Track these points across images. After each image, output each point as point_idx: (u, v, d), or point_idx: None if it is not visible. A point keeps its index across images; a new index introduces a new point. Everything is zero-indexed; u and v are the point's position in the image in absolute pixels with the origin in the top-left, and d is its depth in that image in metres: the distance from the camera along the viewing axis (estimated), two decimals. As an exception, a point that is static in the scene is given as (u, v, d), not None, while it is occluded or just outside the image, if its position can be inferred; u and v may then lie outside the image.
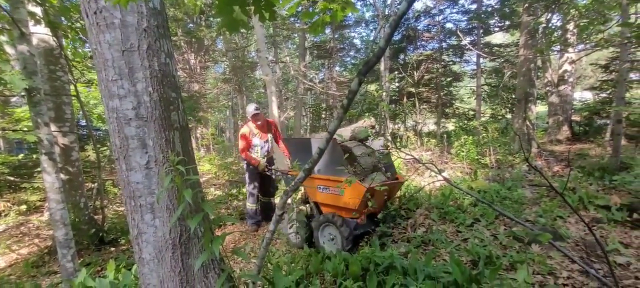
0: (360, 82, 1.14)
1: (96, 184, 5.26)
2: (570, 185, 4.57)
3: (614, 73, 8.33)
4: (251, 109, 4.40)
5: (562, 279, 2.48)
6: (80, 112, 5.67)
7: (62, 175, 4.12)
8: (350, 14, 12.19)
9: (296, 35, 12.33)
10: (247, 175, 4.57)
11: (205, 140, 13.63)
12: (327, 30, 14.27)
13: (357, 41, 20.82)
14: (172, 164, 1.37)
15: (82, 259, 3.84)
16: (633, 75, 8.36)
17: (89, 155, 7.89)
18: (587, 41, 8.15)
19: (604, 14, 6.75)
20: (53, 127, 4.04)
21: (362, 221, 3.32)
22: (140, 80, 1.50)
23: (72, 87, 4.39)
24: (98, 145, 5.18)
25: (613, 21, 6.34)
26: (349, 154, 3.33)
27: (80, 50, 4.80)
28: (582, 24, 8.15)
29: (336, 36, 13.13)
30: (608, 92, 8.88)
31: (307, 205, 3.77)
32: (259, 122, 4.41)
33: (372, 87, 15.35)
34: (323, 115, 14.96)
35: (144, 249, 1.64)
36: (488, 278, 2.39)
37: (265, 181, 4.61)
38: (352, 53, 16.64)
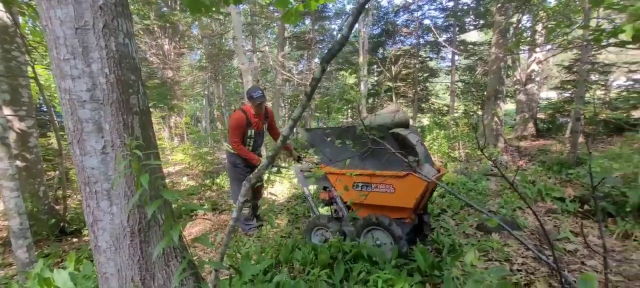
0: (323, 69, 1.15)
1: (58, 172, 5.00)
2: (530, 178, 4.83)
3: (576, 74, 8.81)
4: (255, 92, 3.59)
5: (516, 265, 2.63)
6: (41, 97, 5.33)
7: (18, 162, 3.89)
8: (330, 5, 12.00)
9: (275, 24, 12.14)
10: (229, 170, 3.88)
11: (179, 129, 13.24)
12: (307, 21, 14.18)
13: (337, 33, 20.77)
14: (130, 149, 1.32)
15: (40, 250, 3.65)
16: (593, 76, 8.90)
17: (51, 143, 7.47)
18: (554, 42, 8.57)
19: (570, 17, 7.10)
20: (7, 111, 3.78)
21: (413, 221, 2.89)
22: (95, 61, 1.42)
23: (29, 68, 4.11)
24: (60, 132, 4.90)
25: (577, 24, 6.68)
26: (404, 143, 2.73)
27: (39, 29, 4.49)
28: (550, 25, 8.55)
29: (316, 27, 13.05)
30: (570, 91, 9.41)
31: (332, 207, 3.13)
32: (259, 109, 3.68)
33: (350, 81, 15.44)
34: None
35: (100, 237, 1.58)
36: (449, 265, 2.50)
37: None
38: (339, 36, 16.59)
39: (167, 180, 7.72)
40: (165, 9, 10.78)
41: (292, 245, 2.99)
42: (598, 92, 8.64)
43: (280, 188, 6.00)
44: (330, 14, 13.17)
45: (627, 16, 3.93)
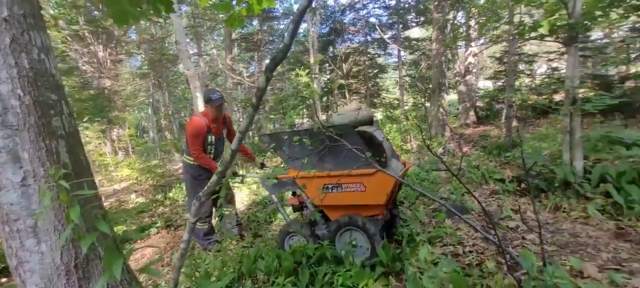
0: (268, 79, 1.11)
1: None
2: (475, 163, 5.23)
3: (506, 64, 9.71)
4: (213, 94, 3.38)
5: (468, 246, 2.82)
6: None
7: None
8: (277, 6, 11.85)
9: (221, 26, 11.72)
10: (188, 185, 3.60)
11: (123, 142, 12.23)
12: (255, 22, 13.89)
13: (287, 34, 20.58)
14: (55, 179, 1.17)
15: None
16: (520, 66, 9.88)
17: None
18: (486, 37, 9.33)
19: (498, 13, 7.77)
20: None
21: (385, 216, 2.86)
22: (3, 82, 1.23)
23: None
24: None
25: (504, 19, 7.34)
26: (371, 140, 2.72)
27: None
28: (481, 21, 9.29)
29: (265, 28, 12.84)
30: (502, 81, 10.35)
31: (302, 212, 3.09)
32: (219, 114, 3.47)
33: (304, 80, 15.44)
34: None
35: (28, 280, 1.38)
36: (409, 255, 2.60)
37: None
38: (282, 44, 16.45)
39: (113, 199, 7.11)
40: (96, 12, 9.84)
41: (255, 255, 2.90)
42: (525, 80, 9.61)
43: (239, 196, 5.82)
44: (278, 14, 13.06)
45: (543, 12, 4.41)
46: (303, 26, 14.19)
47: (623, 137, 4.08)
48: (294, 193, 3.10)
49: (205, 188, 1.39)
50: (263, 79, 1.10)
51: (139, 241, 4.35)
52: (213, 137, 3.49)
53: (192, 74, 5.89)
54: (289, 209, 3.30)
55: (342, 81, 13.12)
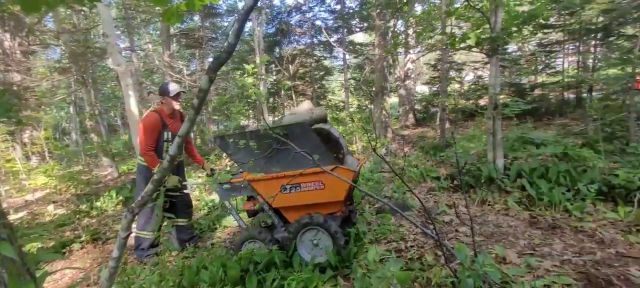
0: (211, 80, 1.04)
1: None
2: (414, 163, 5.59)
3: (439, 71, 10.59)
4: (170, 85, 3.18)
5: (410, 242, 2.99)
6: None
7: None
8: (221, 2, 11.37)
9: (158, 20, 10.87)
10: (141, 188, 3.22)
11: (36, 146, 10.63)
12: (196, 18, 13.15)
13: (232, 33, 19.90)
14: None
15: None
16: (451, 73, 10.85)
17: None
18: (422, 45, 10.05)
19: (432, 24, 8.41)
20: None
21: (344, 213, 2.84)
22: None
23: None
24: None
25: (437, 30, 7.99)
26: (328, 137, 2.69)
27: None
28: (418, 30, 9.98)
29: (207, 24, 12.22)
30: (436, 86, 11.27)
31: (259, 216, 2.95)
32: (177, 107, 3.28)
33: (249, 80, 15.06)
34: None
35: None
36: (357, 255, 2.67)
37: (176, 196, 3.09)
38: (226, 44, 15.84)
39: (24, 212, 6.11)
40: (0, -6, 8.39)
41: (198, 266, 2.73)
42: (456, 86, 10.59)
43: (178, 202, 5.43)
44: (221, 11, 12.54)
45: (471, 26, 4.89)
46: (248, 25, 13.86)
47: (534, 137, 4.71)
48: (249, 198, 2.98)
49: (139, 198, 1.25)
50: (205, 80, 1.03)
51: (59, 260, 3.80)
52: (169, 134, 3.24)
53: (123, 70, 5.35)
54: (245, 214, 3.18)
55: (289, 82, 13.08)
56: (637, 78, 4.52)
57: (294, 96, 13.26)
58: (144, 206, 1.20)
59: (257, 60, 10.18)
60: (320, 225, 2.58)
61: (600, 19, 6.90)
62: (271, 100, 13.62)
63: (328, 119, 3.07)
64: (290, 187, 2.60)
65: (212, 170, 3.59)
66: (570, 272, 2.24)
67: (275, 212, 2.78)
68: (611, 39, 6.91)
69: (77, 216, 5.41)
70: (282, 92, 13.35)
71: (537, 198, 3.46)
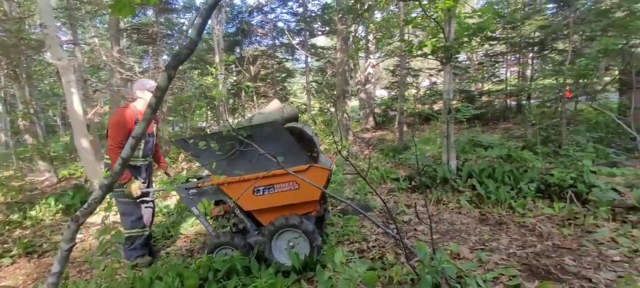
0: (170, 77, 0.97)
1: None
2: (375, 165, 5.75)
3: (398, 76, 11.05)
4: (152, 83, 3.02)
5: (371, 242, 3.05)
6: None
7: None
8: (175, -3, 10.81)
9: (106, 12, 10.07)
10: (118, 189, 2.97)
11: (-45, 149, 9.28)
12: (150, 13, 12.39)
13: (193, 29, 19.13)
14: None
15: None
16: (409, 78, 11.37)
17: None
18: (382, 51, 10.42)
19: (391, 31, 8.74)
20: None
21: (319, 212, 2.75)
22: None
23: None
24: None
25: (396, 37, 8.34)
26: (301, 136, 2.61)
27: None
28: (378, 37, 10.33)
29: (161, 20, 11.57)
30: (395, 90, 11.74)
31: (229, 221, 2.80)
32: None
33: (209, 80, 14.52)
34: (151, 111, 12.99)
35: None
36: (319, 257, 2.67)
37: (143, 195, 3.00)
38: (183, 42, 15.15)
39: None
40: None
41: (151, 277, 2.54)
42: (413, 91, 11.10)
43: (129, 209, 5.05)
44: (177, 6, 11.95)
45: (426, 34, 5.16)
46: (207, 23, 13.33)
47: (482, 141, 5.09)
48: (216, 203, 2.83)
49: (85, 206, 1.13)
50: (164, 77, 0.96)
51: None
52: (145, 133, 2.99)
53: (65, 66, 4.86)
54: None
55: (250, 83, 12.82)
56: (568, 88, 5.08)
57: (255, 98, 13.02)
58: (89, 215, 1.09)
59: (217, 59, 9.85)
60: (296, 226, 2.50)
61: (537, 34, 7.68)
62: (231, 101, 13.25)
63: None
64: (263, 189, 2.50)
65: (167, 174, 3.38)
66: (515, 264, 2.43)
67: (247, 215, 2.66)
68: (546, 52, 7.71)
69: (7, 227, 4.80)
70: (243, 94, 13.05)
71: (486, 197, 3.73)
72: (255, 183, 2.47)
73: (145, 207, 3.09)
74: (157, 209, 4.65)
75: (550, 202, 3.52)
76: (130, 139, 1.03)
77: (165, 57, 12.03)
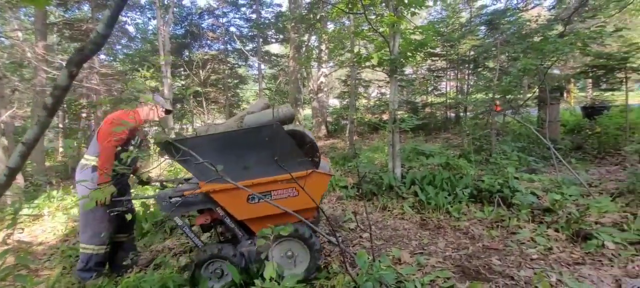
0: (72, 75, 0.85)
1: None
2: (325, 172, 5.78)
3: (349, 86, 11.38)
4: (166, 104, 2.86)
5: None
6: None
7: None
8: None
9: (23, 6, 8.95)
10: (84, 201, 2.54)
11: None
12: (86, 8, 11.31)
13: (130, 27, 17.85)
14: None
15: None
16: (360, 89, 11.77)
17: None
18: (333, 60, 10.65)
19: (343, 42, 8.97)
20: None
21: (316, 219, 2.58)
22: None
23: None
24: None
25: (347, 48, 8.58)
26: (303, 139, 2.44)
27: None
28: (330, 47, 10.54)
29: (99, 16, 10.61)
30: (346, 100, 12.06)
31: (214, 229, 2.61)
32: (156, 119, 2.86)
33: (152, 84, 13.60)
34: (84, 114, 11.80)
35: None
36: (260, 270, 2.57)
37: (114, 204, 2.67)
38: (124, 41, 14.08)
39: None
40: None
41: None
42: (363, 101, 11.49)
43: (50, 224, 4.46)
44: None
45: (374, 48, 5.38)
46: (153, 23, 12.59)
47: (425, 149, 5.38)
48: (201, 211, 2.57)
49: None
50: (65, 75, 0.84)
51: None
52: (139, 140, 2.78)
53: (-30, 60, 4.19)
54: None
55: (199, 88, 12.26)
56: (497, 102, 5.63)
57: (204, 103, 12.47)
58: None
59: (162, 61, 9.27)
60: (295, 235, 2.37)
61: (471, 52, 8.45)
62: (178, 106, 12.54)
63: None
64: (262, 196, 2.31)
65: (147, 179, 3.00)
66: (450, 266, 2.57)
67: (238, 223, 2.46)
68: (480, 69, 8.51)
69: None
70: (192, 99, 12.43)
71: (426, 203, 3.93)
72: (251, 191, 2.26)
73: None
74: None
75: (481, 206, 3.81)
76: (20, 146, 0.88)
77: (102, 56, 11.04)
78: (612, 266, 2.40)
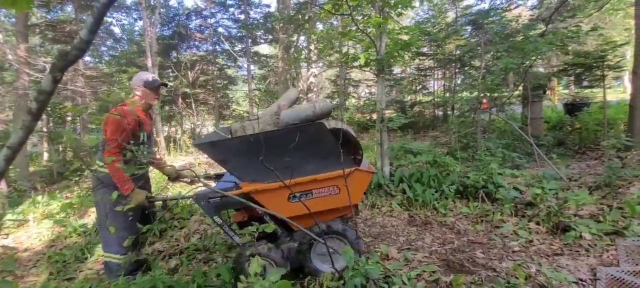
0: (55, 80, 0.87)
1: None
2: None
3: (338, 86, 11.45)
4: (150, 75, 2.66)
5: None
6: None
7: None
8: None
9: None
10: (103, 208, 2.49)
11: None
12: (69, 8, 11.09)
13: (116, 28, 17.58)
14: None
15: None
16: (349, 89, 11.86)
17: None
18: (323, 61, 10.69)
19: (331, 42, 9.02)
20: None
21: (355, 217, 2.55)
22: None
23: None
24: None
25: (336, 48, 8.63)
26: (346, 137, 2.34)
27: None
28: (319, 47, 10.58)
29: (83, 17, 10.43)
30: (336, 100, 12.12)
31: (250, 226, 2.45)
32: (155, 102, 2.69)
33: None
34: (69, 117, 11.56)
35: None
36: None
37: (145, 210, 2.58)
38: (110, 42, 13.85)
39: None
40: None
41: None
42: (353, 101, 11.57)
43: (36, 230, 4.38)
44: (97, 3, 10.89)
45: (362, 48, 5.44)
46: (139, 24, 12.42)
47: (413, 147, 5.47)
48: (238, 209, 2.56)
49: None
50: (48, 80, 0.86)
51: None
52: (145, 134, 2.58)
53: (-51, 63, 4.09)
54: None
55: (188, 90, 12.15)
56: (483, 100, 5.76)
57: (193, 105, 12.37)
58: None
59: (149, 63, 9.18)
60: (339, 233, 2.38)
61: (457, 52, 8.60)
62: (166, 108, 12.40)
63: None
64: (301, 194, 2.30)
65: (177, 175, 2.88)
66: (436, 261, 2.65)
67: (277, 221, 2.41)
68: (465, 68, 8.67)
69: None
70: (180, 100, 12.31)
71: (414, 199, 4.01)
72: (294, 189, 2.23)
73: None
74: (71, 229, 4.11)
75: (467, 202, 3.91)
76: (5, 150, 0.89)
77: (87, 58, 10.84)
78: (588, 256, 2.50)
